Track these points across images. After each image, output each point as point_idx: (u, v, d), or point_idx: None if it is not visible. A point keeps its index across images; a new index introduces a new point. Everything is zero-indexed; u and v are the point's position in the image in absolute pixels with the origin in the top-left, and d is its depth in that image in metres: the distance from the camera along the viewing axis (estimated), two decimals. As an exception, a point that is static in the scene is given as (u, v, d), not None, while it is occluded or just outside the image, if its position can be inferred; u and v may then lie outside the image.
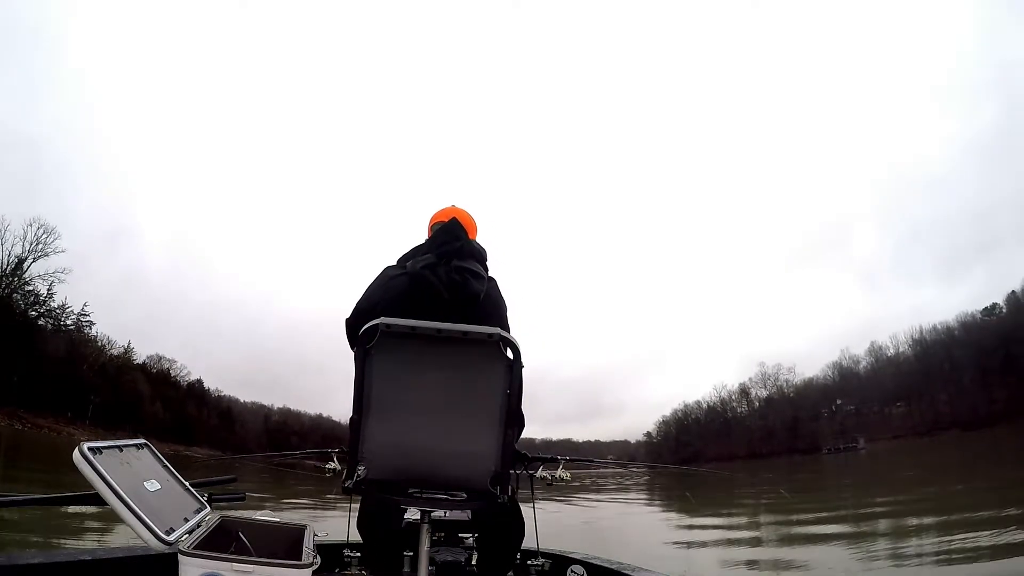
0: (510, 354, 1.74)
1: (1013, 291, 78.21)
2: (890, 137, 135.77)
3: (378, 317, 1.76)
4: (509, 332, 1.87)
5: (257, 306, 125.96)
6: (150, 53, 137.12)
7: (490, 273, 2.28)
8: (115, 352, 72.66)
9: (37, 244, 60.76)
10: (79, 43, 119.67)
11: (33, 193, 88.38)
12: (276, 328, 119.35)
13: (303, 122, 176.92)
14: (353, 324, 2.02)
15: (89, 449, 1.61)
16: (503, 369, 1.74)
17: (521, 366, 1.76)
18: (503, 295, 2.25)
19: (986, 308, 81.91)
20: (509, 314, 2.23)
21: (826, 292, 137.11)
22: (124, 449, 1.82)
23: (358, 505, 2.29)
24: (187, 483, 2.04)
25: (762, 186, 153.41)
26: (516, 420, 1.88)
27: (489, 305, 2.12)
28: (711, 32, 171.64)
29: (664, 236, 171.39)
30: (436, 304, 1.99)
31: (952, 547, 8.85)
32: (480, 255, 2.27)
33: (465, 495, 1.79)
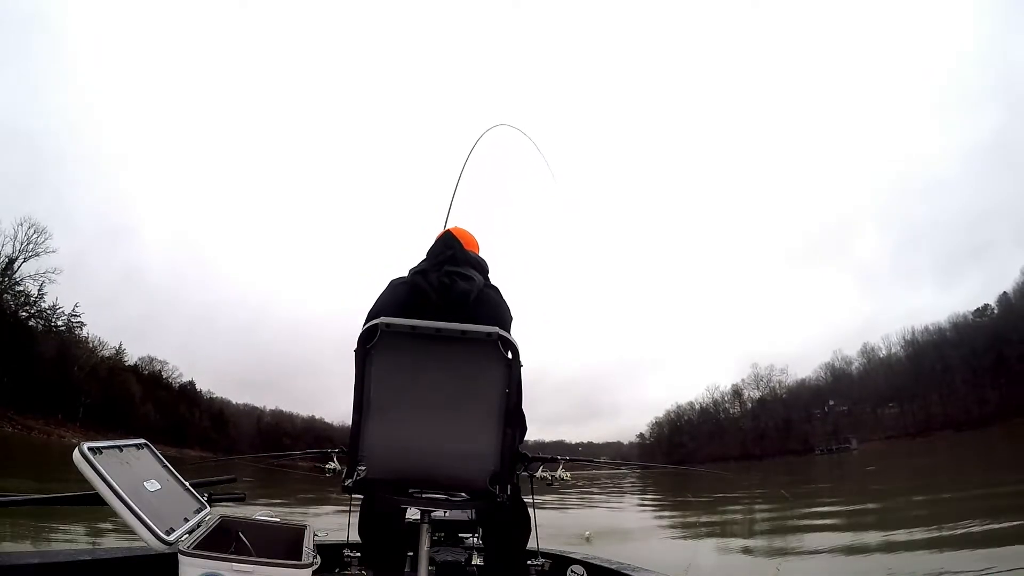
0: (510, 354, 1.76)
1: (1005, 292, 78.93)
2: (891, 138, 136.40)
3: None
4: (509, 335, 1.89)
5: (256, 307, 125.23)
6: (151, 52, 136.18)
7: (493, 283, 2.34)
8: (107, 353, 72.28)
9: (28, 244, 60.34)
10: (79, 41, 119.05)
11: (31, 191, 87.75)
12: (274, 330, 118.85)
13: (305, 122, 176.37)
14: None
15: (89, 449, 1.60)
16: (502, 368, 1.76)
17: (520, 365, 1.79)
18: (507, 303, 2.28)
19: (977, 309, 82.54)
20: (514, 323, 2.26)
21: (823, 294, 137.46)
22: (124, 449, 1.82)
23: (358, 505, 2.29)
24: (187, 483, 2.04)
25: (762, 187, 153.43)
26: (516, 420, 1.89)
27: (486, 308, 2.14)
28: (711, 31, 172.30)
29: (661, 238, 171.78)
30: (428, 306, 2.06)
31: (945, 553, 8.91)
32: (476, 263, 2.33)
33: (465, 495, 1.79)
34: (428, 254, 2.36)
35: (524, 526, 2.32)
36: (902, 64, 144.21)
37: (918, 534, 10.70)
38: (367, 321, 2.10)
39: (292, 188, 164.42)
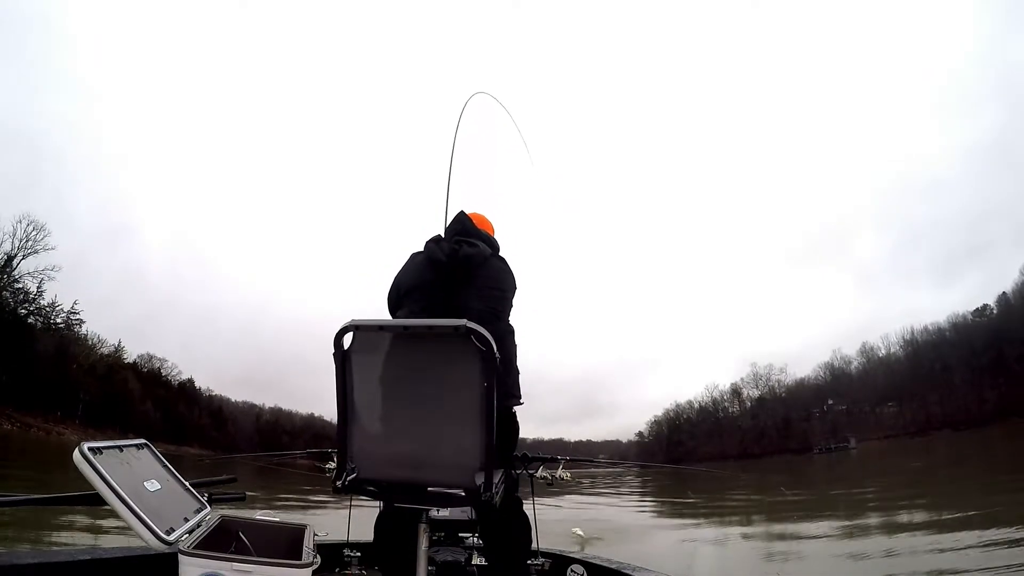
0: (483, 347, 1.66)
1: (1004, 292, 78.90)
2: (891, 138, 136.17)
3: (401, 291, 2.24)
4: (509, 301, 2.17)
5: (255, 307, 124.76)
6: (150, 52, 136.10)
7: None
8: (106, 351, 72.13)
9: (27, 241, 60.11)
10: (79, 41, 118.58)
11: (31, 191, 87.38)
12: (273, 329, 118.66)
13: (304, 123, 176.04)
14: (390, 299, 2.37)
15: (89, 449, 1.61)
16: (478, 362, 1.67)
17: (497, 357, 1.68)
18: (513, 273, 2.40)
19: (977, 309, 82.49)
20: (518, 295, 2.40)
21: (822, 293, 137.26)
22: (124, 449, 1.82)
23: (357, 506, 2.29)
24: (187, 483, 2.04)
25: (762, 187, 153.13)
26: (500, 416, 1.87)
27: (491, 271, 2.28)
28: (711, 32, 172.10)
29: (660, 237, 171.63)
30: (438, 269, 2.23)
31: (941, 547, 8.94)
32: (484, 237, 2.46)
33: (462, 493, 1.78)
34: (445, 231, 2.54)
35: (524, 526, 2.32)
36: (902, 64, 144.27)
37: (918, 529, 10.75)
38: (390, 293, 2.34)
39: (292, 188, 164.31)
